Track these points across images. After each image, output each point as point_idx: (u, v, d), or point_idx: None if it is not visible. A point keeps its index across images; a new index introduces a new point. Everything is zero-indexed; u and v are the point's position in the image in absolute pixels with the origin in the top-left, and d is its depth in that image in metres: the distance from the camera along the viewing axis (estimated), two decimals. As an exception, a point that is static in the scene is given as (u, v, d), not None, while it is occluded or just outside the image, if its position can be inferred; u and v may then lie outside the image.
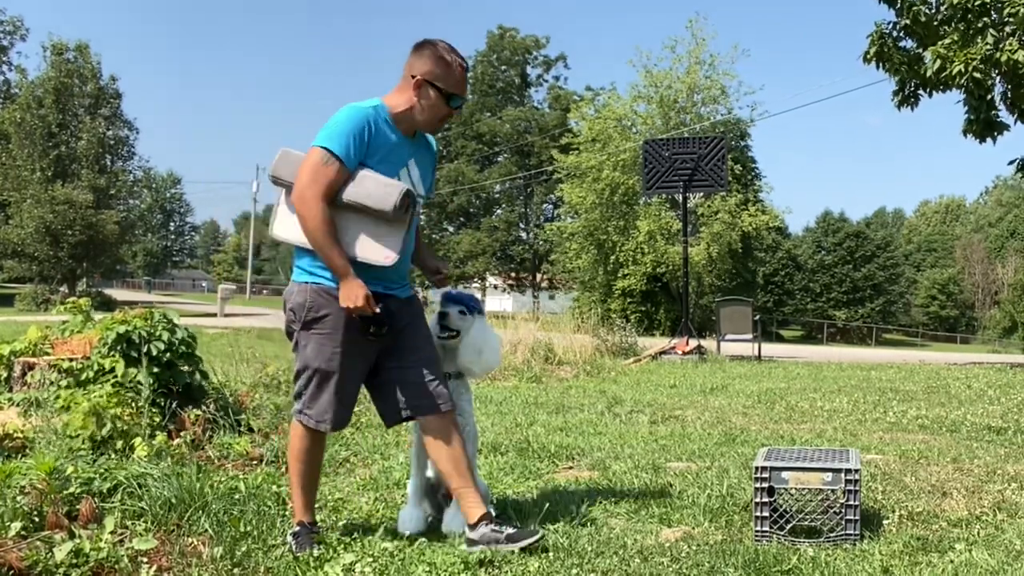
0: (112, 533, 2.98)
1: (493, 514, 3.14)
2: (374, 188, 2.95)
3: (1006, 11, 11.37)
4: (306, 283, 3.07)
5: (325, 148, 2.94)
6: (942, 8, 12.24)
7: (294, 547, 3.02)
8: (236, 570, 2.84)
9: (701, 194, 26.03)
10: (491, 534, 3.01)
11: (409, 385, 3.14)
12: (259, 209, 62.42)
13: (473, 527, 3.06)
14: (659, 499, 3.72)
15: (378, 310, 2.96)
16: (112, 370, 4.74)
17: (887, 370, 10.69)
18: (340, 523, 3.35)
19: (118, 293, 42.96)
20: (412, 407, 3.15)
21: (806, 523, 3.15)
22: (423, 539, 3.11)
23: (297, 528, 3.11)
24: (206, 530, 3.15)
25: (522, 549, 2.95)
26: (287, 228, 3.08)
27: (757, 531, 3.14)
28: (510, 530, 3.04)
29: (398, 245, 3.01)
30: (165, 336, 4.97)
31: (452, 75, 3.09)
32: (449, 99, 3.10)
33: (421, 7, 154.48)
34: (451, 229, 51.15)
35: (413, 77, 3.07)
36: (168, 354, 4.95)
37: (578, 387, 8.61)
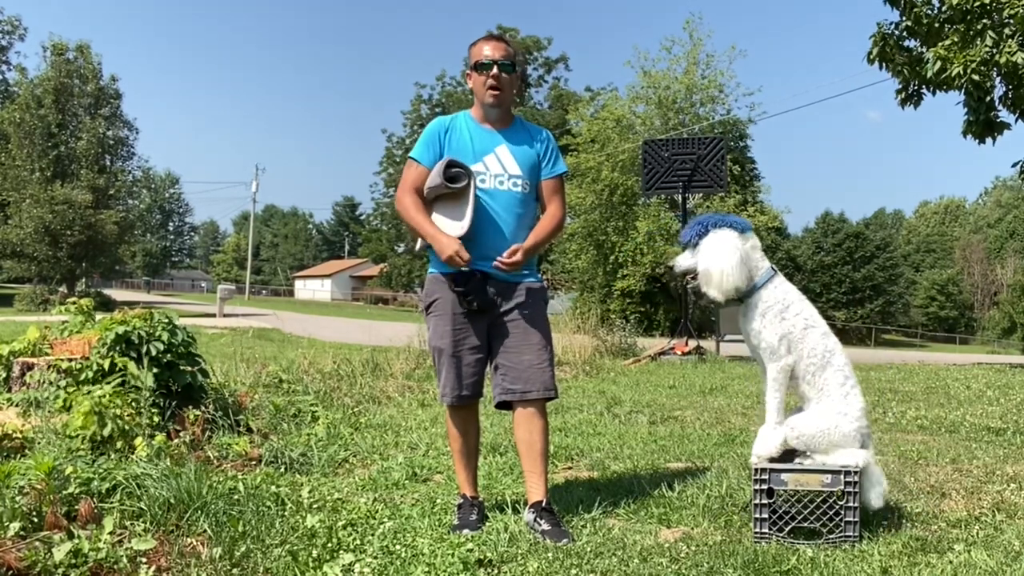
0: (111, 533, 2.98)
1: (544, 504, 3.31)
2: (432, 173, 3.38)
3: (1005, 13, 11.38)
4: (428, 274, 3.52)
5: (409, 157, 3.48)
6: (944, 10, 12.25)
7: (455, 519, 3.36)
8: (235, 570, 2.84)
9: (700, 194, 26.02)
10: (533, 523, 3.25)
11: (509, 369, 3.39)
12: (258, 209, 62.34)
13: (528, 508, 3.33)
14: (658, 500, 3.72)
15: (467, 270, 3.30)
16: (112, 369, 4.74)
17: (886, 371, 10.68)
18: (339, 523, 3.34)
19: (117, 293, 42.97)
20: (506, 391, 3.40)
21: (806, 524, 3.15)
22: (423, 539, 3.11)
23: (460, 500, 3.49)
24: (205, 530, 3.15)
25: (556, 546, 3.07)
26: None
27: (756, 532, 3.14)
28: (547, 526, 3.20)
29: (465, 216, 3.33)
30: (165, 336, 4.97)
31: (472, 50, 3.46)
32: (476, 68, 3.42)
33: (420, 8, 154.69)
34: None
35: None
36: (168, 354, 4.95)
37: (577, 387, 8.61)
